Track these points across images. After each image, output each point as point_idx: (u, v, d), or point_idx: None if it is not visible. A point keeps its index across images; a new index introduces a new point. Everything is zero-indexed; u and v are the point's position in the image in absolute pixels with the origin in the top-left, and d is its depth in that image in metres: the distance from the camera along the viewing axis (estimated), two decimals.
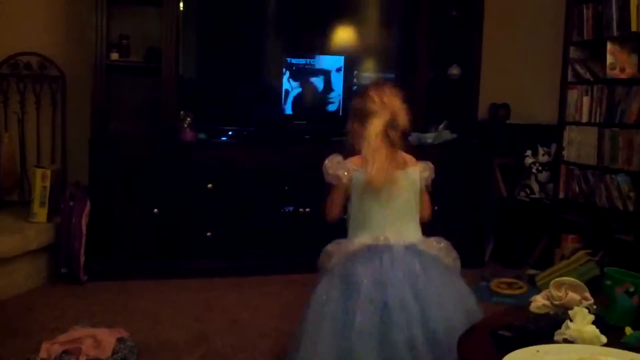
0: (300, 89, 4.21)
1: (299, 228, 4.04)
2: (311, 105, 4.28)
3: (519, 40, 4.93)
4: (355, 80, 4.32)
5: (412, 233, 2.27)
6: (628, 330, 1.64)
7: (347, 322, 2.03)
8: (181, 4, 3.94)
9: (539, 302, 1.85)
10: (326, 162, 2.30)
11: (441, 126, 4.43)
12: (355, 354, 1.98)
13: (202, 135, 4.02)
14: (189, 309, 3.35)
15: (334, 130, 4.25)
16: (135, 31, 4.09)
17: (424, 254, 2.20)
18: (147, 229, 3.83)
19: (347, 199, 2.30)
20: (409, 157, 2.35)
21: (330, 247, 2.27)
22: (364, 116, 2.28)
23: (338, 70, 4.26)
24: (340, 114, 4.26)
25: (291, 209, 4.01)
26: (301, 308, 2.24)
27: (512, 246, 4.50)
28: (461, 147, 4.38)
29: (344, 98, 4.26)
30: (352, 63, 4.30)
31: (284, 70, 4.16)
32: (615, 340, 1.60)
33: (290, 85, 4.18)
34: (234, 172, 3.92)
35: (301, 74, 4.21)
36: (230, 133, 4.12)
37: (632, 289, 1.73)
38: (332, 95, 4.28)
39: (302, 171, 4.00)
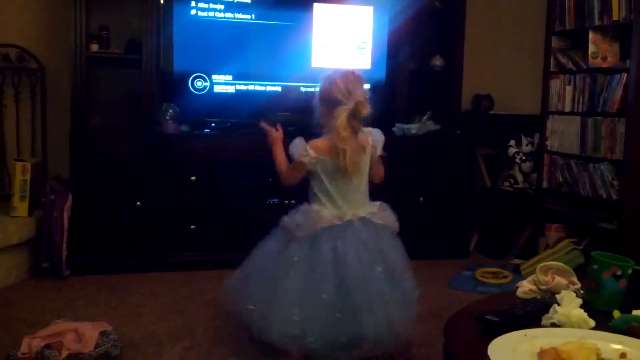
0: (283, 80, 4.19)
1: None
2: (295, 95, 4.24)
3: (501, 31, 4.95)
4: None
5: (364, 206, 2.58)
6: (616, 313, 1.64)
7: (308, 289, 2.38)
8: None
9: (525, 287, 1.84)
10: (296, 143, 2.56)
11: (425, 117, 4.42)
12: (311, 316, 2.34)
13: (184, 127, 3.98)
14: (172, 302, 3.32)
15: None
16: (116, 22, 4.04)
17: (375, 224, 2.55)
18: (130, 223, 3.78)
19: (309, 175, 2.58)
20: (363, 135, 2.56)
21: (300, 217, 2.53)
22: (331, 103, 2.50)
23: None
24: None
25: (275, 200, 3.99)
26: None
27: (496, 236, 4.51)
28: (445, 138, 4.38)
29: None
30: None
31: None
32: (603, 323, 1.60)
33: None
34: (217, 164, 3.88)
35: None
36: (213, 125, 4.09)
37: (619, 273, 1.73)
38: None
39: None
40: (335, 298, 2.37)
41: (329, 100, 2.50)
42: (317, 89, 2.63)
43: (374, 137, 2.61)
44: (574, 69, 3.98)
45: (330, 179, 2.52)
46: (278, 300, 2.40)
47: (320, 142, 2.54)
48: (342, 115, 2.44)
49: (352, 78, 2.52)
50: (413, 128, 4.33)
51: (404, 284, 2.55)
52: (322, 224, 2.48)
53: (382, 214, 2.59)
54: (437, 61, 4.56)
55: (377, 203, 2.63)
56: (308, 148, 2.51)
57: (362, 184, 2.58)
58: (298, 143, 2.56)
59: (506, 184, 4.60)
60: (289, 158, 2.62)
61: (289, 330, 2.35)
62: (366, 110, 2.47)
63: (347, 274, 2.39)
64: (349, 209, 2.52)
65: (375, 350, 2.47)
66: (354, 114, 2.45)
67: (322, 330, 2.35)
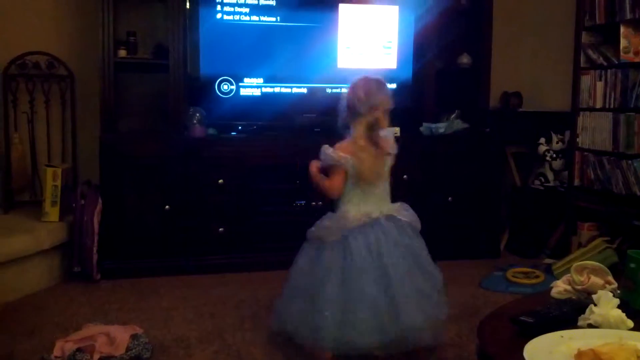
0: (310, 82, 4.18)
1: (311, 222, 3.99)
2: (321, 96, 4.22)
3: (529, 27, 4.88)
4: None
5: (388, 205, 2.64)
6: None
7: (350, 291, 2.41)
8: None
9: (560, 287, 1.81)
10: (326, 149, 2.56)
11: (453, 116, 4.38)
12: (357, 316, 2.37)
13: (211, 131, 4.00)
14: (202, 305, 3.33)
15: None
16: (143, 28, 4.07)
17: (400, 222, 2.60)
18: (159, 226, 3.81)
19: None
20: (383, 141, 2.60)
21: (328, 222, 2.58)
22: (351, 111, 2.57)
23: None
24: None
25: (303, 202, 3.98)
26: None
27: (527, 236, 4.45)
28: (473, 137, 4.33)
29: None
30: None
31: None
32: None
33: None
34: (244, 167, 3.89)
35: None
36: (239, 128, 4.09)
37: None
38: None
39: None
40: (378, 294, 2.41)
41: (350, 108, 2.58)
42: (343, 92, 2.69)
43: (393, 147, 2.66)
44: (605, 64, 3.90)
45: (355, 181, 2.56)
46: (321, 310, 2.41)
47: (345, 144, 2.58)
48: (359, 127, 2.54)
49: (374, 87, 2.58)
50: (441, 127, 4.29)
51: (433, 277, 2.59)
52: (352, 223, 2.52)
53: (405, 213, 2.65)
54: (464, 59, 4.51)
55: (398, 203, 2.68)
56: (338, 152, 2.54)
57: (384, 188, 2.64)
58: (328, 150, 2.57)
59: (537, 182, 4.54)
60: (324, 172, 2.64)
61: (338, 336, 2.38)
62: (384, 124, 2.57)
63: (385, 268, 2.44)
64: (373, 209, 2.57)
65: (417, 344, 2.47)
66: (371, 126, 2.54)
67: (370, 329, 2.37)
